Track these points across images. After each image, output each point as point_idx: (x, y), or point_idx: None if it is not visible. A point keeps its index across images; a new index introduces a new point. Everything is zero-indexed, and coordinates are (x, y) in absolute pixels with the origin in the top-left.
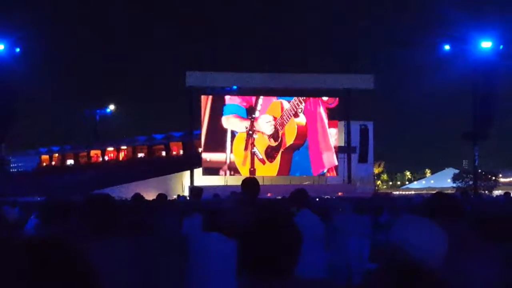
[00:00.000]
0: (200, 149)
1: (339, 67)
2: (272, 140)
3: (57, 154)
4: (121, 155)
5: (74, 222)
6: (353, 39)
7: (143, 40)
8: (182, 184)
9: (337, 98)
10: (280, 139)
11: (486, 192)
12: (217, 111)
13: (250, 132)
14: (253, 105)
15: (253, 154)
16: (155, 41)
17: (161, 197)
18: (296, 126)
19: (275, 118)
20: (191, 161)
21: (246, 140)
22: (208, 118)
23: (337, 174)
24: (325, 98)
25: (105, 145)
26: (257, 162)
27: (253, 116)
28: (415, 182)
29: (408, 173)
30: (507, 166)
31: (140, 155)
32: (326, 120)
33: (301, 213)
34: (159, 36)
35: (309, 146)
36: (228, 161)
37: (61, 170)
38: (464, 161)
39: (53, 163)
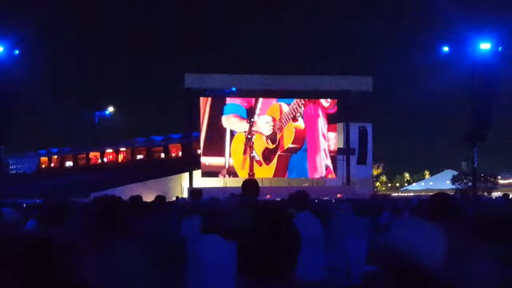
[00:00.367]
0: (199, 151)
1: (338, 68)
2: (269, 142)
3: (56, 156)
4: (120, 157)
5: (73, 224)
6: (352, 41)
7: (143, 42)
8: (181, 186)
9: (336, 105)
10: (277, 142)
11: (485, 194)
12: (217, 112)
13: (249, 136)
14: (253, 106)
15: (252, 158)
16: (154, 43)
17: (160, 199)
18: (294, 130)
19: (274, 119)
20: (190, 163)
21: (245, 144)
22: (207, 121)
23: (336, 175)
24: (325, 104)
25: (104, 147)
26: (254, 164)
27: (252, 120)
28: (414, 184)
29: (407, 174)
30: (506, 167)
31: (139, 157)
32: (325, 126)
33: (301, 214)
34: (158, 38)
35: (307, 150)
36: (227, 165)
37: (60, 172)
38: (463, 162)
39: (52, 165)
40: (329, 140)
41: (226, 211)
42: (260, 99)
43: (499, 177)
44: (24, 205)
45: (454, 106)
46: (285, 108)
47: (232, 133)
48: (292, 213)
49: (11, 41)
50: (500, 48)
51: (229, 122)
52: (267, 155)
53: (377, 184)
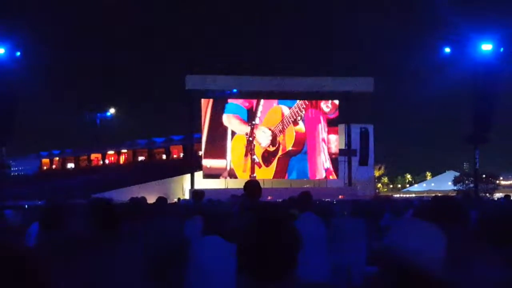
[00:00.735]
0: (200, 153)
1: (339, 69)
2: (270, 145)
3: (57, 158)
4: (122, 158)
5: (74, 226)
6: (353, 42)
7: (143, 43)
8: (183, 187)
9: (337, 109)
10: (277, 144)
11: (487, 195)
12: (218, 113)
13: (250, 139)
14: (254, 108)
15: (253, 161)
16: (155, 44)
17: (161, 200)
18: (294, 133)
19: (272, 131)
20: (192, 165)
21: (246, 147)
22: (209, 122)
23: (337, 176)
24: (326, 110)
25: (106, 149)
26: (254, 167)
27: (253, 122)
28: (416, 185)
29: (408, 176)
30: (507, 168)
31: (141, 158)
32: (326, 129)
33: (303, 215)
34: (159, 40)
35: (307, 153)
36: (228, 168)
37: (62, 174)
38: (464, 163)
39: (54, 166)
40: (330, 142)
41: (227, 212)
42: (262, 101)
43: (501, 178)
44: (26, 206)
45: (455, 107)
46: (286, 111)
47: (233, 133)
48: (294, 214)
49: (12, 43)
50: (502, 49)
51: (231, 122)
52: (267, 157)
53: (379, 185)
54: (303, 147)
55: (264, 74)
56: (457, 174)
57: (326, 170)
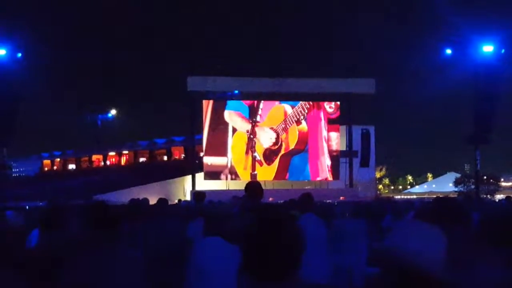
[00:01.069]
0: (201, 153)
1: (340, 71)
2: (272, 144)
3: (59, 159)
4: (123, 159)
5: (74, 227)
6: (354, 43)
7: (145, 44)
8: (184, 188)
9: (339, 109)
10: (280, 143)
11: (488, 196)
12: (219, 109)
13: (251, 136)
14: (255, 107)
15: (254, 159)
16: (156, 45)
17: (162, 201)
18: (297, 133)
19: (275, 130)
20: (193, 166)
21: (247, 144)
22: (209, 122)
23: (339, 178)
24: (329, 110)
25: (107, 150)
26: (255, 164)
27: (254, 120)
28: (417, 187)
29: (409, 177)
30: (509, 170)
31: (142, 159)
32: (326, 127)
33: (304, 216)
34: (160, 40)
35: (309, 153)
36: (229, 165)
37: (63, 175)
38: (465, 165)
39: (55, 168)
40: (330, 140)
41: (228, 213)
42: (262, 102)
43: (502, 179)
44: (27, 207)
45: (456, 109)
46: (289, 110)
47: (234, 129)
48: (295, 215)
49: (13, 44)
50: (503, 51)
51: (232, 119)
52: (269, 155)
53: (380, 186)
54: (305, 146)
55: (265, 76)
56: (458, 175)
57: (328, 168)
